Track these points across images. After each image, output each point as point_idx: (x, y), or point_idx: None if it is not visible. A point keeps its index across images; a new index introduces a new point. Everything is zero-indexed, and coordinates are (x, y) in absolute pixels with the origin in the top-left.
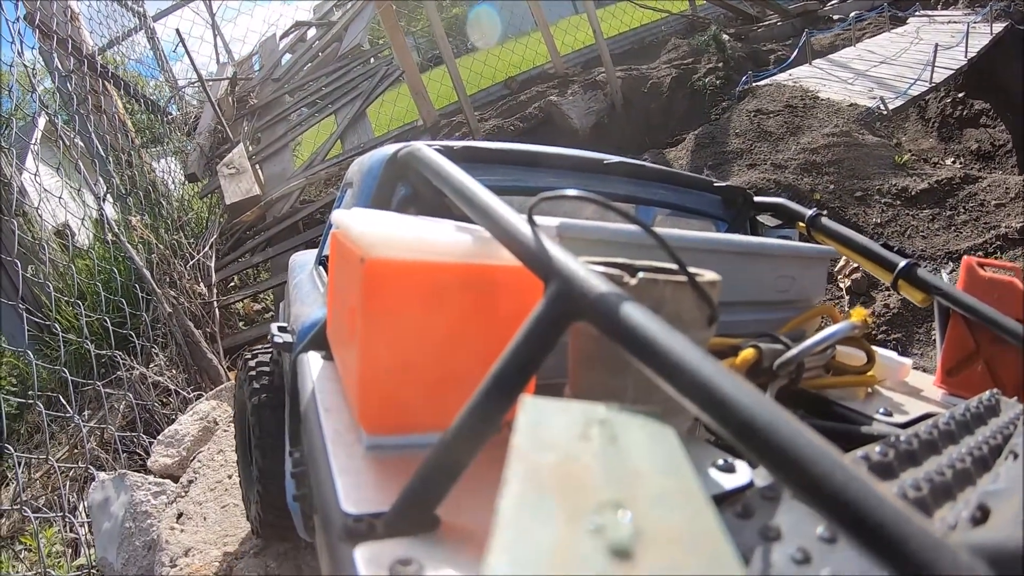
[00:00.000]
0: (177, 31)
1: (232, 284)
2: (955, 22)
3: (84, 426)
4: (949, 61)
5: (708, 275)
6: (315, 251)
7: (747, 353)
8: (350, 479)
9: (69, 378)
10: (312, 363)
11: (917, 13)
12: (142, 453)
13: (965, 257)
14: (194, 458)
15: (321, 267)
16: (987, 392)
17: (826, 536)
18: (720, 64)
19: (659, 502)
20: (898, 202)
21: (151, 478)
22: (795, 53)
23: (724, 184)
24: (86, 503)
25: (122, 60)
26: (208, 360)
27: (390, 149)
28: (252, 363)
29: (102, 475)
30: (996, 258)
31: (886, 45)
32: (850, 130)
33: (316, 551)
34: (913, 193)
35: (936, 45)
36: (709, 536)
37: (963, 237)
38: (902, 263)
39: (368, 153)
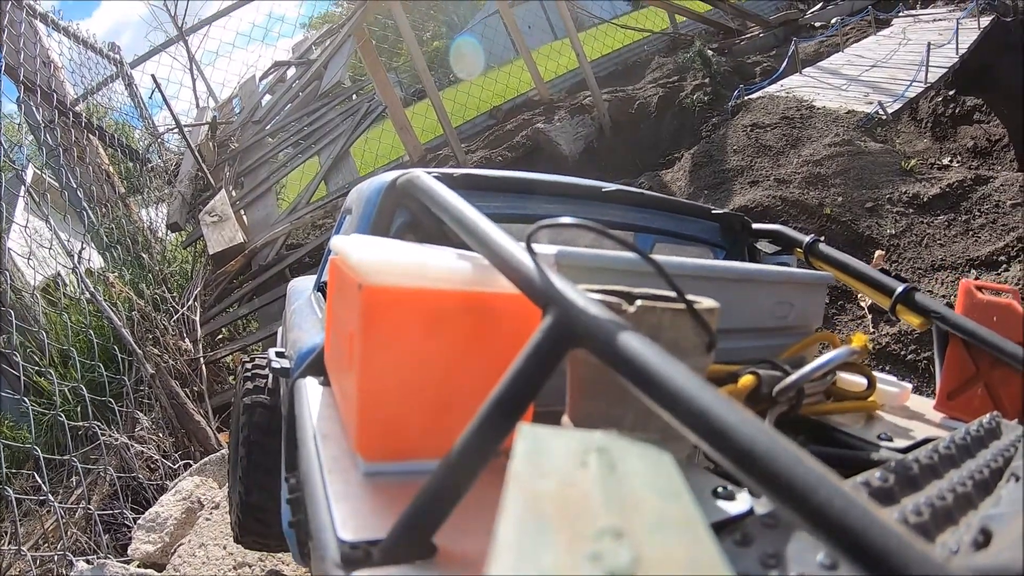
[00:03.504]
0: (152, 76)
1: (220, 336)
2: (940, 19)
3: (60, 508)
4: (941, 59)
5: (706, 302)
6: (314, 277)
7: (746, 380)
8: (347, 505)
9: (41, 455)
10: (309, 389)
11: (901, 14)
12: (129, 526)
13: (963, 281)
14: (176, 547)
15: (320, 293)
16: (987, 415)
17: (826, 563)
18: (706, 80)
19: (658, 529)
20: (911, 210)
21: (132, 568)
22: (784, 63)
23: (722, 211)
24: None
25: (104, 111)
26: (196, 423)
27: (390, 176)
28: (248, 370)
29: (81, 565)
30: (1022, 262)
31: (874, 48)
32: (851, 138)
33: None
34: (925, 199)
35: (928, 44)
36: (708, 564)
37: (983, 242)
38: (900, 288)
39: (368, 180)
